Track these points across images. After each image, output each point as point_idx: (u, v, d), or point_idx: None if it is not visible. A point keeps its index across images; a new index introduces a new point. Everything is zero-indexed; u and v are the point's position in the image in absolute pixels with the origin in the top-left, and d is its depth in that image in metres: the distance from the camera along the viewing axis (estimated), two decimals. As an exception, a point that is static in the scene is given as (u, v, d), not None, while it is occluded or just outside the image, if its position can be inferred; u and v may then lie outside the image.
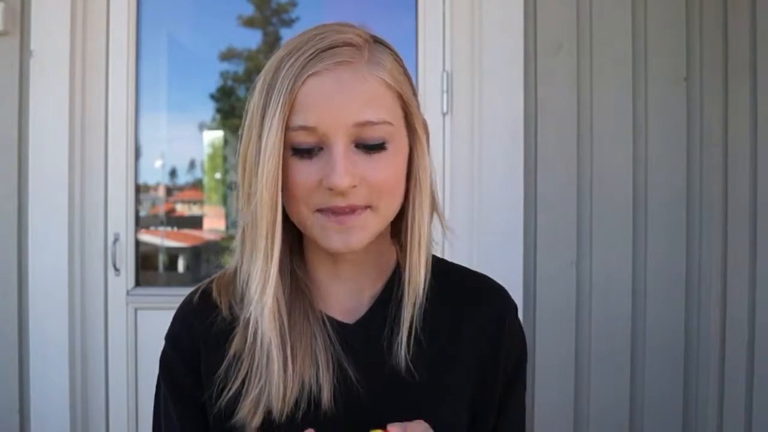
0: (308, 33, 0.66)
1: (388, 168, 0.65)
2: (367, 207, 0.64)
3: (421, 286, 0.69)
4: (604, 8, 1.68)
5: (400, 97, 0.68)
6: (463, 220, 1.70)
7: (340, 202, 0.63)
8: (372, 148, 0.64)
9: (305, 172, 0.63)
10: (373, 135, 0.64)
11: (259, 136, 0.63)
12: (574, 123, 1.68)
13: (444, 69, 1.74)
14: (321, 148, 0.63)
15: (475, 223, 1.68)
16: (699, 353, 1.67)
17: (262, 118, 0.64)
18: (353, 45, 0.65)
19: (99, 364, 1.75)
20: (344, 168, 0.61)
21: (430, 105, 1.74)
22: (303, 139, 0.63)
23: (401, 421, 0.63)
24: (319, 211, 0.64)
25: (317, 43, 0.64)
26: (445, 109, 1.74)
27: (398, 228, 0.73)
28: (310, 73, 0.63)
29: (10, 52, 1.67)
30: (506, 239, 1.66)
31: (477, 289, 0.76)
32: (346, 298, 0.73)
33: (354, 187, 0.62)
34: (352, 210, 0.63)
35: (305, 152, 0.64)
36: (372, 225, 0.66)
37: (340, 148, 0.62)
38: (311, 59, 0.63)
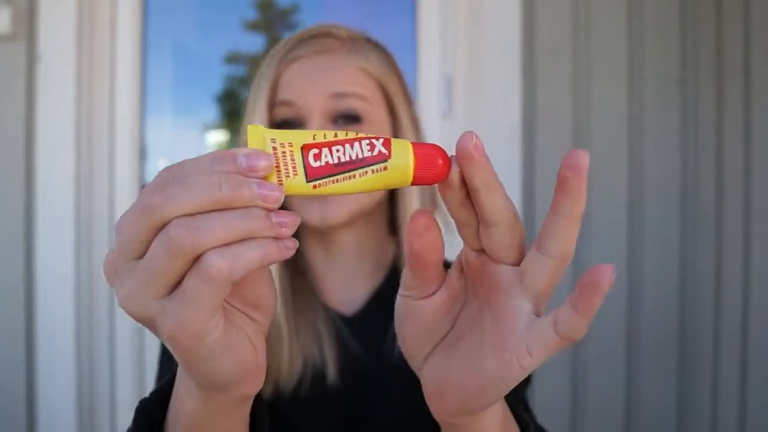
0: (300, 31, 0.71)
1: None
2: None
3: None
4: (601, 11, 1.70)
5: (381, 87, 0.71)
6: (462, 220, 1.72)
7: None
8: (347, 119, 0.67)
9: None
10: (345, 106, 0.67)
11: (250, 120, 0.68)
12: (571, 124, 1.70)
13: (443, 71, 1.77)
14: (301, 125, 0.67)
15: (474, 222, 1.70)
16: (693, 350, 1.69)
17: (253, 102, 0.69)
18: (335, 37, 0.70)
19: (105, 359, 1.78)
20: None
21: (429, 108, 1.76)
22: (284, 114, 0.67)
23: (406, 397, 0.65)
24: None
25: (302, 35, 0.69)
26: (444, 111, 1.76)
27: (397, 223, 0.76)
28: (291, 57, 0.68)
29: (18, 55, 1.70)
30: (504, 239, 1.68)
31: None
32: (341, 289, 0.74)
33: None
34: None
35: (286, 127, 0.67)
36: (350, 199, 0.67)
37: (316, 121, 0.66)
38: (294, 47, 0.68)
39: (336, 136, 0.33)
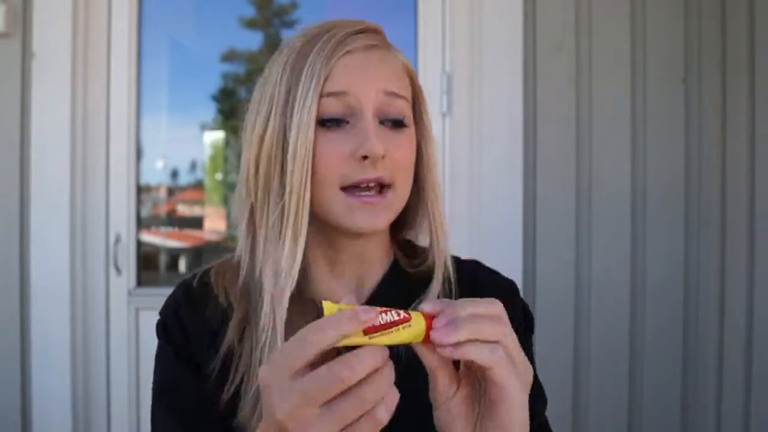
0: (329, 23, 0.68)
1: (408, 146, 0.68)
2: (389, 187, 0.66)
3: (451, 272, 0.72)
4: (603, 9, 1.68)
5: (413, 85, 0.72)
6: (462, 219, 1.71)
7: (371, 174, 0.64)
8: (395, 124, 0.67)
9: (335, 144, 0.64)
10: (395, 110, 0.67)
11: (285, 113, 0.64)
12: (573, 123, 1.68)
13: (444, 70, 1.75)
14: (347, 122, 0.65)
15: (475, 222, 1.69)
16: (697, 351, 1.68)
17: (288, 95, 0.64)
18: (378, 32, 0.70)
19: (100, 364, 1.75)
20: (376, 135, 0.63)
21: (429, 106, 1.73)
22: (332, 108, 0.64)
23: (407, 409, 0.66)
24: (345, 190, 0.64)
25: (347, 28, 0.67)
26: (444, 110, 1.74)
27: (403, 223, 0.74)
28: (344, 51, 0.65)
29: (12, 53, 1.68)
30: (506, 238, 1.67)
31: (478, 279, 0.78)
32: (344, 293, 0.70)
33: (383, 157, 0.64)
34: (379, 183, 0.65)
35: (333, 124, 0.64)
36: (394, 205, 0.67)
37: (370, 116, 0.64)
38: (345, 39, 0.66)
39: (379, 314, 0.48)
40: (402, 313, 0.49)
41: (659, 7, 1.69)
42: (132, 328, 1.76)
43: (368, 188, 0.64)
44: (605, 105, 1.69)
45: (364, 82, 0.65)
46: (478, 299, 0.50)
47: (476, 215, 1.69)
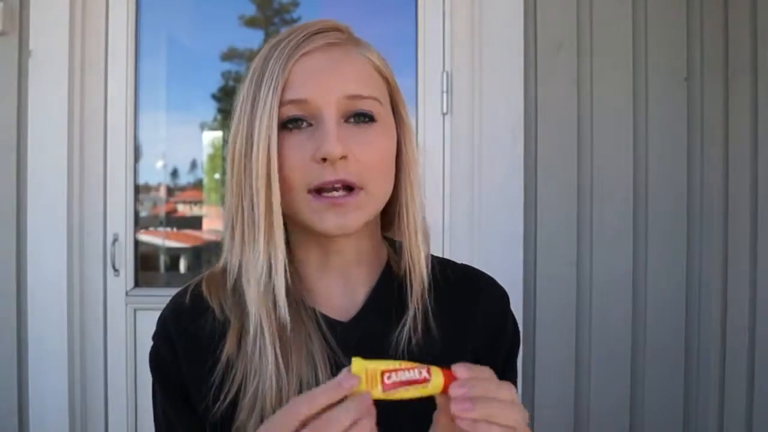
0: (298, 26, 0.68)
1: (377, 143, 0.66)
2: (360, 188, 0.64)
3: (425, 273, 0.69)
4: (605, 8, 1.67)
5: (387, 83, 0.70)
6: (463, 220, 1.70)
7: (331, 176, 0.62)
8: (361, 117, 0.65)
9: (296, 147, 0.63)
10: (362, 106, 0.65)
11: (250, 119, 0.64)
12: (574, 123, 1.67)
13: (444, 69, 1.74)
14: (310, 124, 0.64)
15: (475, 223, 1.68)
16: (699, 353, 1.67)
17: (253, 101, 0.64)
18: (340, 30, 0.68)
19: (98, 365, 1.74)
20: (335, 136, 0.62)
21: (430, 105, 1.73)
22: (293, 112, 0.64)
23: (405, 416, 0.64)
24: (311, 193, 0.63)
25: (306, 29, 0.66)
26: (445, 109, 1.73)
27: (389, 223, 0.73)
28: (302, 53, 0.65)
29: (9, 51, 1.66)
30: (506, 239, 1.66)
31: (477, 283, 0.77)
32: (338, 295, 0.71)
33: (344, 158, 0.63)
34: (344, 186, 0.63)
35: (294, 125, 0.64)
36: (366, 206, 0.65)
37: (332, 119, 0.63)
38: (302, 41, 0.65)
39: (401, 365, 0.54)
40: (423, 372, 0.54)
41: (661, 5, 1.68)
42: (130, 329, 1.75)
43: (335, 189, 0.63)
44: (607, 104, 1.68)
45: (323, 86, 0.64)
46: (498, 382, 0.54)
47: (476, 215, 1.68)
